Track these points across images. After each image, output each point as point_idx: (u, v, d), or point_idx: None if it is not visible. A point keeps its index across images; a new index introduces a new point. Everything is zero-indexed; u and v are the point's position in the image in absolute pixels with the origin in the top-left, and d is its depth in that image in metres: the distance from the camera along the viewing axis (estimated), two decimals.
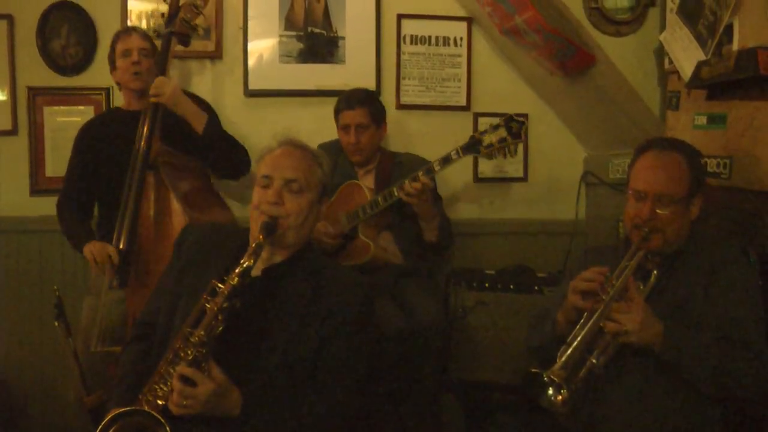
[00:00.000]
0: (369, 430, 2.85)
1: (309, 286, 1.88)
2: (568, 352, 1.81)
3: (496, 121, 2.82)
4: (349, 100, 3.10)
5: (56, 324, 2.56)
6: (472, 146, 2.84)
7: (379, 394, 2.88)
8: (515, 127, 2.78)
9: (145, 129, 2.77)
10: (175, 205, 2.70)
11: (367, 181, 3.12)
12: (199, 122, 2.84)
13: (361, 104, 3.07)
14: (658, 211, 1.96)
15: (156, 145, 2.79)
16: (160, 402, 1.70)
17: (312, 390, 1.81)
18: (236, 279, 1.73)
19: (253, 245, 1.79)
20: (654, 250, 1.97)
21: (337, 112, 3.13)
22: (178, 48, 3.02)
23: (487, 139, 2.81)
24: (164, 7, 3.03)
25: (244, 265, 1.75)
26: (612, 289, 1.86)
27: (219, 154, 2.94)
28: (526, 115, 3.55)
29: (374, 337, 2.14)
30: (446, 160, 2.85)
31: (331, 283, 1.90)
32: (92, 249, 2.69)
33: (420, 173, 2.82)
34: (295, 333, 1.81)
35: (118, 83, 3.06)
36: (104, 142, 2.95)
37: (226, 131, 3.03)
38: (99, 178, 2.96)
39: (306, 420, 1.77)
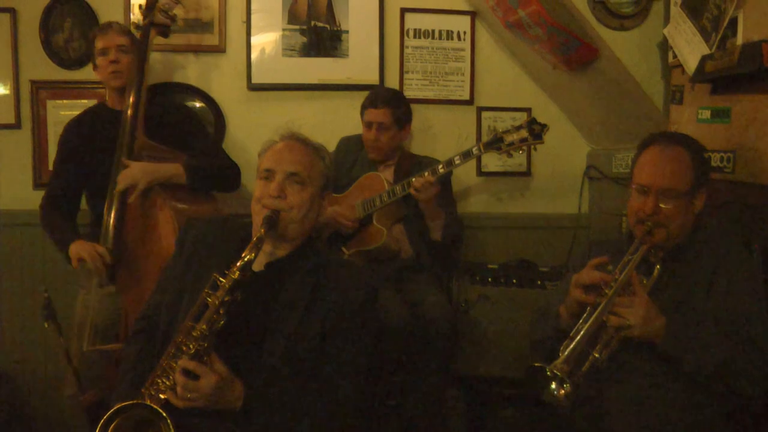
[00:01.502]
0: (372, 424, 2.85)
1: (311, 280, 1.88)
2: (571, 346, 1.81)
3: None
4: (375, 98, 3.13)
5: (46, 325, 2.52)
6: (494, 143, 2.93)
7: (382, 388, 2.88)
8: (537, 129, 2.89)
9: (129, 114, 2.73)
10: (161, 199, 2.66)
11: (387, 175, 3.15)
12: (179, 177, 2.74)
13: (386, 104, 3.10)
14: (661, 205, 1.96)
15: (140, 139, 2.75)
16: (162, 396, 1.69)
17: (315, 383, 1.81)
18: (237, 272, 1.73)
19: (255, 238, 1.79)
20: (657, 244, 1.97)
21: (363, 107, 3.16)
22: (178, 41, 3.02)
23: (509, 137, 2.91)
24: (166, 0, 2.99)
25: (245, 259, 1.74)
26: (615, 283, 1.86)
27: (211, 187, 2.91)
28: (529, 109, 3.55)
29: (377, 332, 2.14)
30: (467, 155, 2.93)
31: (334, 277, 1.90)
32: (79, 249, 2.64)
33: (440, 166, 2.91)
34: (298, 327, 1.82)
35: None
36: (90, 141, 2.90)
37: (211, 157, 2.92)
38: (87, 176, 2.91)
39: (309, 413, 1.77)
